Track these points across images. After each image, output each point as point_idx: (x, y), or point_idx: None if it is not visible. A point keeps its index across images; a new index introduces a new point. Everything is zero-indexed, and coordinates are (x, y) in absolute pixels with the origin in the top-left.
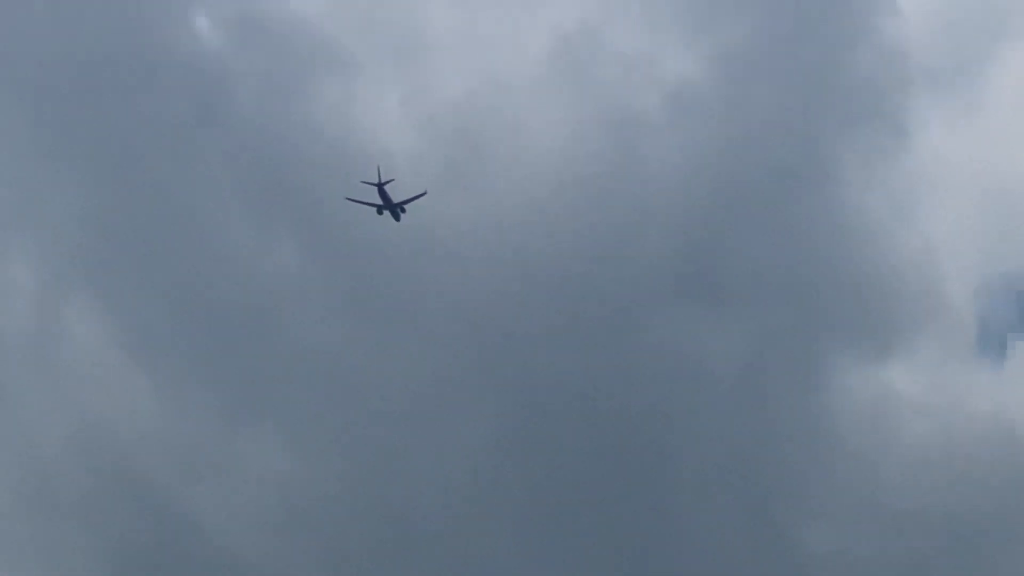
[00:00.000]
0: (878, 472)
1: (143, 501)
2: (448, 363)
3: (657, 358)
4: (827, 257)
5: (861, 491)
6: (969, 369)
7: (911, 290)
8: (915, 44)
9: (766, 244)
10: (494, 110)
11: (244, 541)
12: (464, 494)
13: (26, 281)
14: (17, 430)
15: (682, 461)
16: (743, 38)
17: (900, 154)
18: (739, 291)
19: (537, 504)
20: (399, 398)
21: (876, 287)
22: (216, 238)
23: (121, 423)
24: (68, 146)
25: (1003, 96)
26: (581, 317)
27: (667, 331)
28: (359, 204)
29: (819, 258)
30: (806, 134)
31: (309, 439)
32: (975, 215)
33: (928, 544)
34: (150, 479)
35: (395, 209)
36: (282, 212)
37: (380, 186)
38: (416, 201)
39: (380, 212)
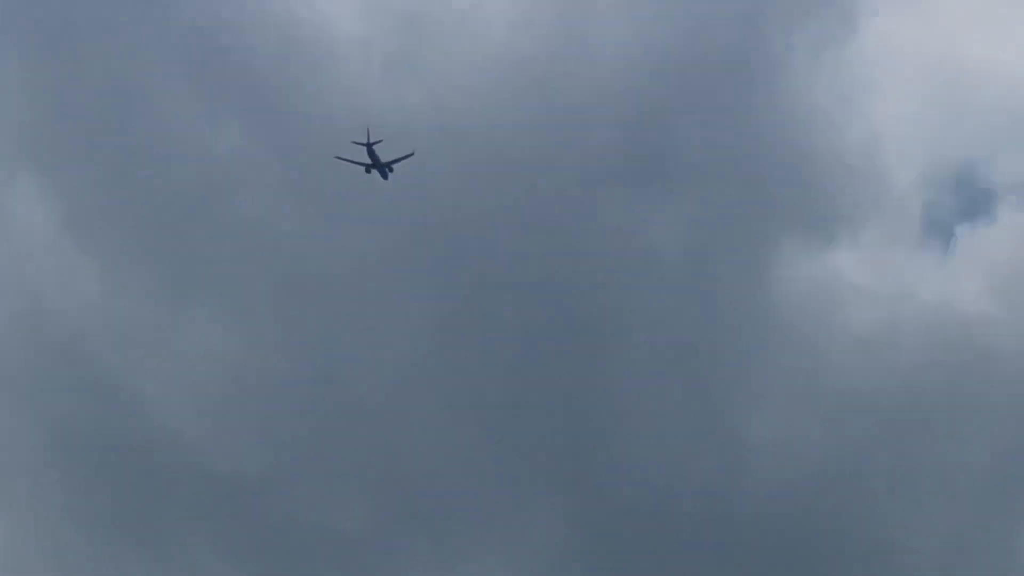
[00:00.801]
0: (823, 358)
1: (84, 378)
2: (394, 242)
3: (604, 241)
4: (774, 143)
5: (805, 377)
6: (915, 257)
7: (858, 177)
8: None
9: (714, 129)
10: None
11: (186, 418)
12: (407, 372)
13: None
14: None
15: (626, 344)
16: None
17: (848, 41)
18: (687, 176)
19: (481, 382)
20: (342, 277)
21: (823, 174)
22: (161, 117)
23: (63, 300)
24: (12, 24)
25: None
26: (529, 199)
27: (614, 214)
28: (347, 163)
29: (766, 144)
30: (755, 20)
31: (250, 317)
32: (923, 103)
33: (871, 430)
34: (91, 356)
35: (383, 168)
36: (227, 92)
37: (369, 146)
38: (404, 160)
39: (368, 171)
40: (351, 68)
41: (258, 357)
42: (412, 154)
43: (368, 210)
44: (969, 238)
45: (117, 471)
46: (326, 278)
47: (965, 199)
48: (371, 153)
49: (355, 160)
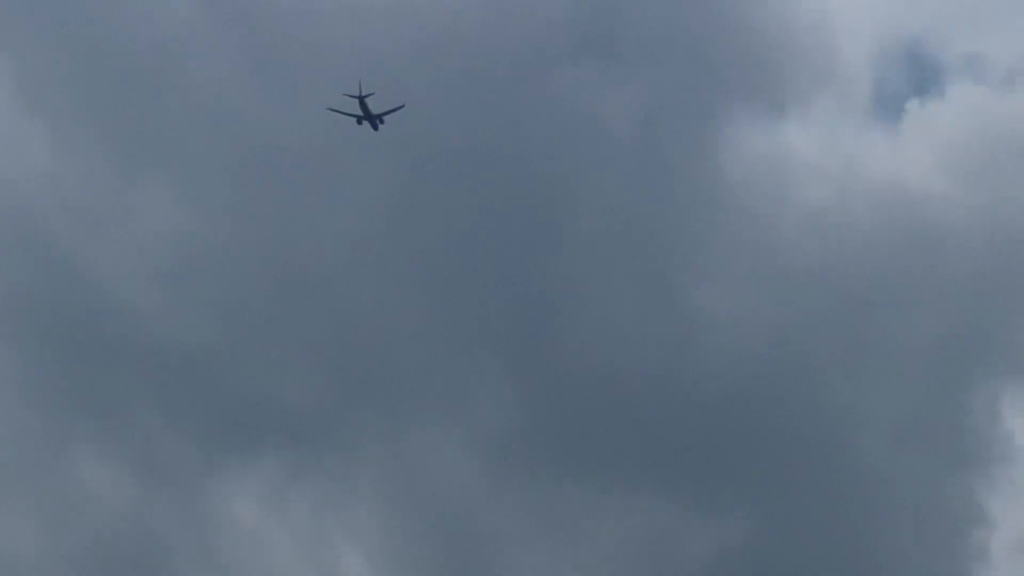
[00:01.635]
0: (772, 233)
1: (36, 252)
2: (344, 119)
3: (555, 115)
4: (726, 17)
5: (755, 252)
6: (865, 132)
7: (807, 51)
8: None
9: (666, 3)
10: None
11: (137, 289)
12: (359, 245)
13: None
14: None
15: (577, 218)
16: None
17: None
18: (638, 51)
19: (432, 256)
20: (295, 149)
21: (773, 47)
22: None
23: (13, 168)
24: None
25: None
26: (480, 74)
27: (566, 88)
28: (339, 114)
29: (718, 19)
30: None
31: (203, 188)
32: None
33: (821, 305)
34: (44, 230)
35: (374, 120)
36: None
37: (361, 99)
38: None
39: (360, 122)
40: None
41: (210, 228)
42: (403, 106)
43: (322, 84)
44: (919, 113)
45: (67, 342)
46: (278, 150)
47: (915, 74)
48: (363, 105)
49: (347, 112)
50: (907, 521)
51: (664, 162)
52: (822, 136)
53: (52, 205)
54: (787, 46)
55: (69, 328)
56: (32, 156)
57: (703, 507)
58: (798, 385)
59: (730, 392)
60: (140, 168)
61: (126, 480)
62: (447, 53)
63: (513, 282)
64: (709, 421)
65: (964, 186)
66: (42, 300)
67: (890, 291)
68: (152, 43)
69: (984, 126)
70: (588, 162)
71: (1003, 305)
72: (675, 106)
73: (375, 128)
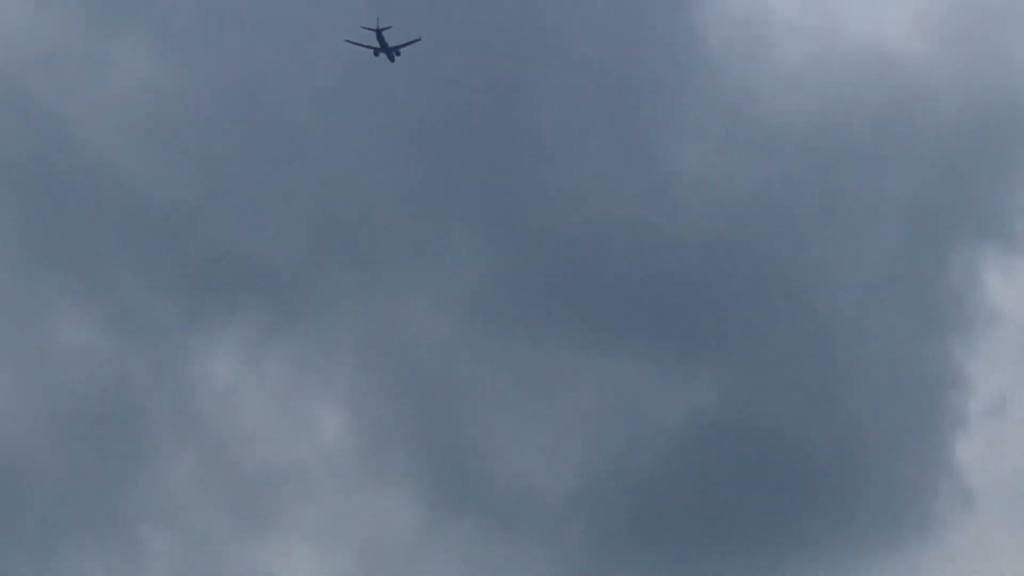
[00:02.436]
0: (751, 92)
1: (13, 108)
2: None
3: None
4: None
5: (734, 111)
6: None
7: None
8: None
9: None
10: None
11: (114, 146)
12: (337, 100)
13: None
14: None
15: (554, 75)
16: None
17: None
18: None
19: (409, 110)
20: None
21: None
22: None
23: None
24: None
25: None
26: None
27: None
28: (357, 46)
29: None
30: None
31: (181, 44)
32: None
33: (799, 163)
34: (18, 83)
35: (391, 52)
36: None
37: (378, 32)
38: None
39: (376, 54)
40: None
41: (188, 85)
42: (419, 39)
43: None
44: None
45: (44, 200)
46: (257, 4)
47: None
48: (379, 38)
49: (364, 43)
50: (883, 383)
51: (642, 19)
52: None
53: (30, 61)
54: None
55: (45, 184)
56: (9, 12)
57: (678, 363)
58: (775, 242)
59: (707, 248)
60: (118, 23)
61: (102, 337)
62: None
63: (489, 141)
64: (684, 277)
65: (943, 46)
66: (17, 157)
67: (868, 151)
68: None
69: None
70: (567, 18)
71: (982, 166)
72: None
73: (392, 59)
